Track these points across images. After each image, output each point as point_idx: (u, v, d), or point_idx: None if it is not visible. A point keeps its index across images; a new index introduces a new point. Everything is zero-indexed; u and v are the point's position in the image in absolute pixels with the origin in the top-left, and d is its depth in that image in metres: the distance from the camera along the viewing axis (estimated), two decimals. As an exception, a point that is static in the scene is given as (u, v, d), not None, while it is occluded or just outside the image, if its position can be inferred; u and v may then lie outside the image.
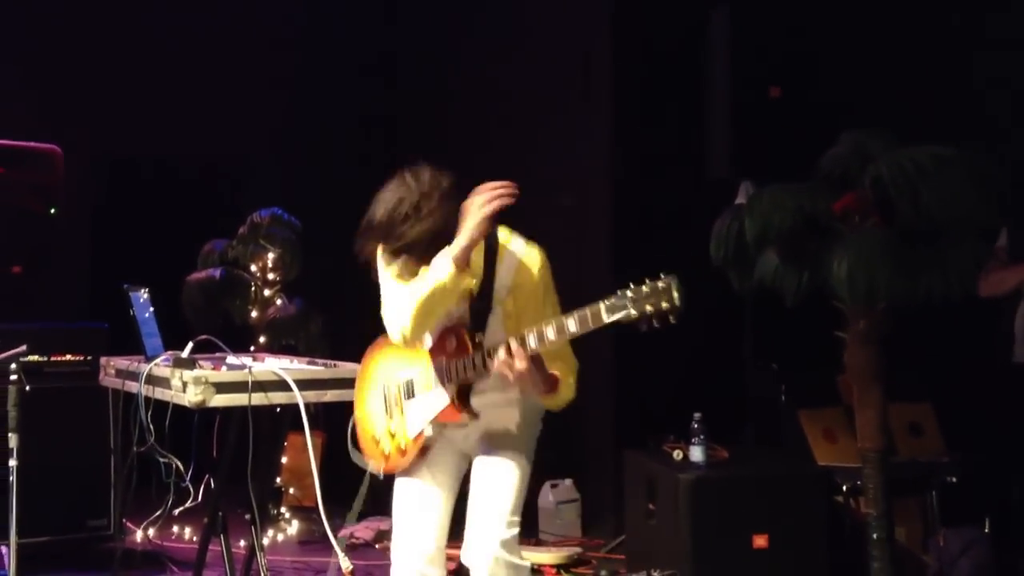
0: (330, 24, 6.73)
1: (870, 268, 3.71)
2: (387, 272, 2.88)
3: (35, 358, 4.44)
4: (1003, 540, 4.15)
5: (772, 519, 4.08)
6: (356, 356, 3.76)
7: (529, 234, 5.48)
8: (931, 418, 4.69)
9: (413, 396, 2.93)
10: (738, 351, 5.29)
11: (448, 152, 6.70)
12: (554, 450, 5.43)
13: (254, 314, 5.61)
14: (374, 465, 3.05)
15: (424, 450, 2.95)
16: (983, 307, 4.03)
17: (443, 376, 2.86)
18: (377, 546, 5.15)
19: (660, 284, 2.61)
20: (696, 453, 4.23)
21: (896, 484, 4.09)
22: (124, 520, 4.74)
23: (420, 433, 2.92)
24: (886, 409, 4.00)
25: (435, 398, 2.87)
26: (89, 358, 4.57)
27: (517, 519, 2.94)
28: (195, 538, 4.87)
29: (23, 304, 4.89)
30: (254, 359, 3.76)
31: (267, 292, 5.64)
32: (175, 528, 5.04)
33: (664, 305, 2.60)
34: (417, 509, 3.04)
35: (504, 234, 2.94)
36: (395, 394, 2.97)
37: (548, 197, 5.87)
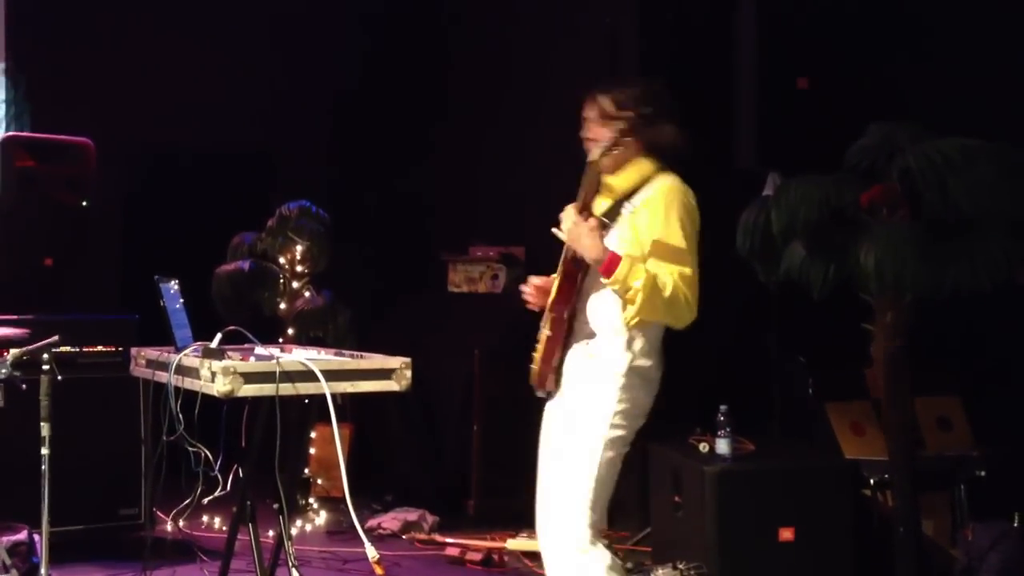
0: (360, 19, 6.76)
1: (897, 260, 3.70)
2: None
3: (67, 349, 4.48)
4: (1032, 534, 4.12)
5: (798, 512, 4.07)
6: (383, 348, 3.80)
7: (555, 220, 5.52)
8: (960, 412, 4.66)
9: None
10: (764, 344, 5.28)
11: (478, 144, 6.76)
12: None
13: (282, 306, 5.65)
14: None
15: (551, 346, 3.09)
16: (1012, 299, 3.99)
17: None
18: (404, 537, 5.18)
19: None
20: (722, 446, 4.22)
21: (924, 478, 4.09)
22: (154, 509, 4.79)
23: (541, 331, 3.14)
24: (913, 402, 3.99)
25: None
26: (120, 349, 4.62)
27: (578, 516, 3.02)
28: (224, 527, 4.91)
29: (56, 296, 4.94)
30: (282, 350, 3.79)
31: (295, 284, 5.67)
32: (204, 517, 5.09)
33: None
34: (544, 471, 3.20)
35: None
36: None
37: (575, 184, 5.86)
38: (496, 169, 6.29)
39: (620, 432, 3.06)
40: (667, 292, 2.91)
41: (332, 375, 3.39)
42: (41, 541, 3.51)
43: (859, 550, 4.11)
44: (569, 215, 3.01)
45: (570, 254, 3.06)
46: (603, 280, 2.96)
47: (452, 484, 5.74)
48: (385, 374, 3.53)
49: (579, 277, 3.06)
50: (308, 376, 3.34)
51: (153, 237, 6.22)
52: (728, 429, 4.22)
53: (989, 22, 4.90)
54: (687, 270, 2.95)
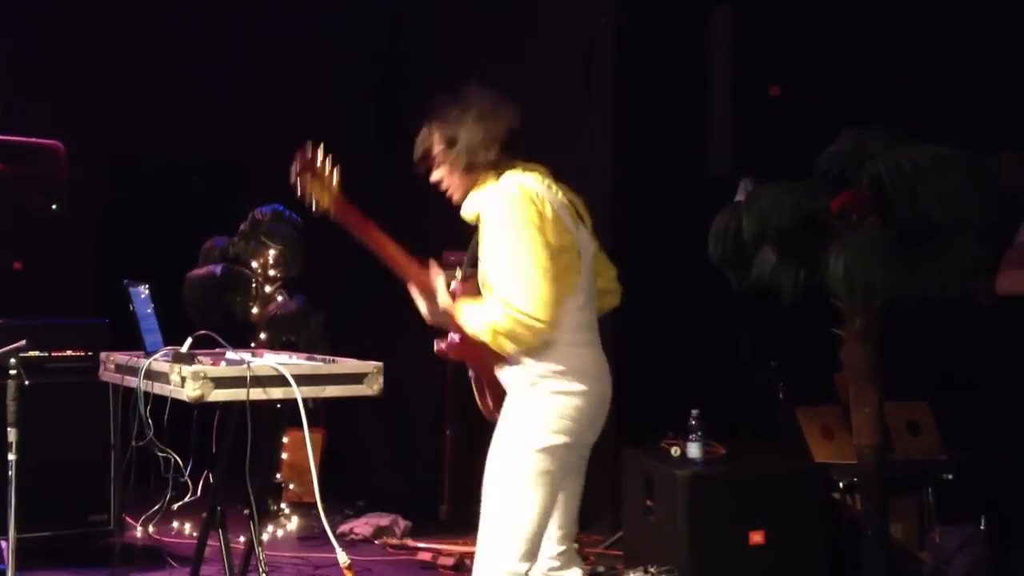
0: (335, 21, 6.75)
1: (867, 266, 3.73)
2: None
3: (36, 353, 4.45)
4: (999, 537, 4.16)
5: (769, 515, 4.10)
6: (356, 352, 3.79)
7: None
8: (929, 416, 4.70)
9: None
10: (736, 348, 5.30)
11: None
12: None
13: (255, 311, 5.63)
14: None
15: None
16: (980, 305, 4.03)
17: None
18: (376, 542, 5.17)
19: None
20: (693, 450, 4.24)
21: (893, 482, 4.12)
22: (123, 515, 4.76)
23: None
24: (882, 406, 4.03)
25: None
26: (90, 354, 4.58)
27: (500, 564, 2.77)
28: (194, 533, 4.88)
29: (25, 300, 4.90)
30: (253, 355, 3.78)
31: (268, 289, 5.65)
32: (174, 523, 5.05)
33: None
34: None
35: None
36: None
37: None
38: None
39: (538, 457, 2.79)
40: (503, 328, 2.68)
41: (304, 380, 3.38)
42: (8, 548, 3.47)
43: (829, 553, 4.14)
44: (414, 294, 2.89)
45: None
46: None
47: (424, 489, 5.73)
48: (357, 379, 3.53)
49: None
50: (279, 381, 3.33)
51: (124, 241, 6.18)
52: (699, 433, 4.24)
53: (961, 31, 4.95)
54: (514, 290, 2.67)
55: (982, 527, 4.08)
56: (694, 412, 4.26)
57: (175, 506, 3.64)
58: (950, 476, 4.41)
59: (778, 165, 4.35)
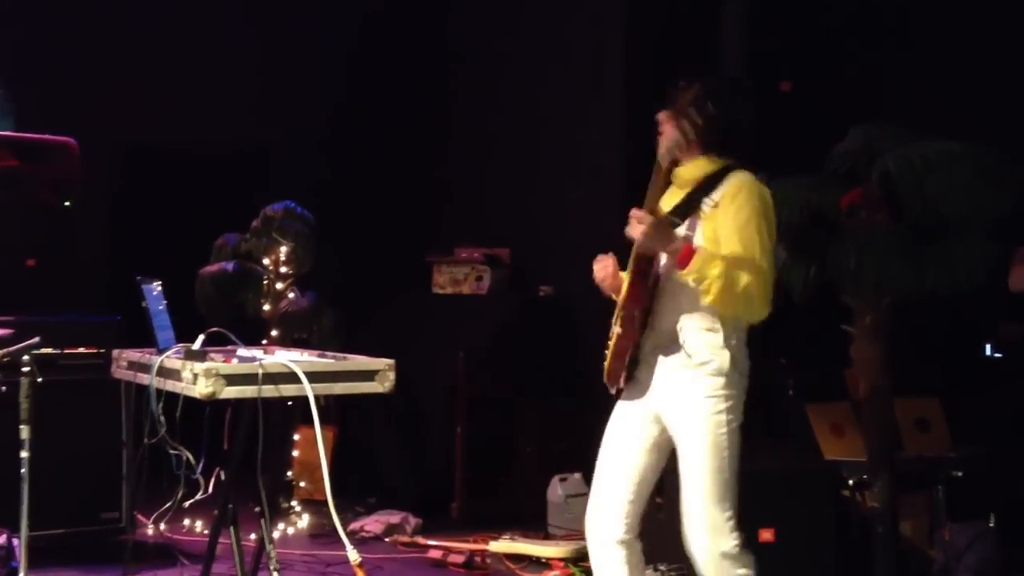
0: (347, 18, 6.76)
1: (877, 262, 3.73)
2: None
3: (48, 350, 4.45)
4: (1009, 535, 4.15)
5: (779, 513, 4.09)
6: (367, 349, 3.80)
7: (541, 222, 5.46)
8: (939, 413, 4.69)
9: None
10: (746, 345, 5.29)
11: (462, 143, 6.76)
12: (563, 443, 5.49)
13: (266, 308, 5.64)
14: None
15: (624, 344, 3.06)
16: (989, 301, 4.02)
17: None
18: (387, 539, 5.18)
19: None
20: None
21: (903, 479, 4.12)
22: (135, 512, 4.77)
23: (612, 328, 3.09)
24: (892, 403, 4.02)
25: None
26: (102, 351, 4.60)
27: (725, 519, 3.12)
28: (205, 531, 4.90)
29: (38, 297, 4.92)
30: (265, 352, 3.79)
31: (279, 286, 5.67)
32: (186, 521, 5.06)
33: None
34: (606, 465, 3.23)
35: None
36: None
37: (560, 187, 5.89)
38: (481, 171, 6.30)
39: (736, 424, 3.17)
40: (740, 286, 2.91)
41: (315, 377, 3.38)
42: (20, 545, 3.49)
43: (839, 550, 4.13)
44: (638, 214, 2.98)
45: (640, 251, 3.02)
46: (679, 272, 2.94)
47: (435, 486, 5.74)
48: (369, 376, 3.53)
49: (650, 275, 3.03)
50: (291, 378, 3.34)
51: (137, 238, 6.20)
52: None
53: (973, 26, 4.93)
54: (762, 265, 2.94)
55: (992, 524, 4.07)
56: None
57: (187, 503, 3.64)
58: (960, 473, 4.40)
59: (788, 161, 4.34)
